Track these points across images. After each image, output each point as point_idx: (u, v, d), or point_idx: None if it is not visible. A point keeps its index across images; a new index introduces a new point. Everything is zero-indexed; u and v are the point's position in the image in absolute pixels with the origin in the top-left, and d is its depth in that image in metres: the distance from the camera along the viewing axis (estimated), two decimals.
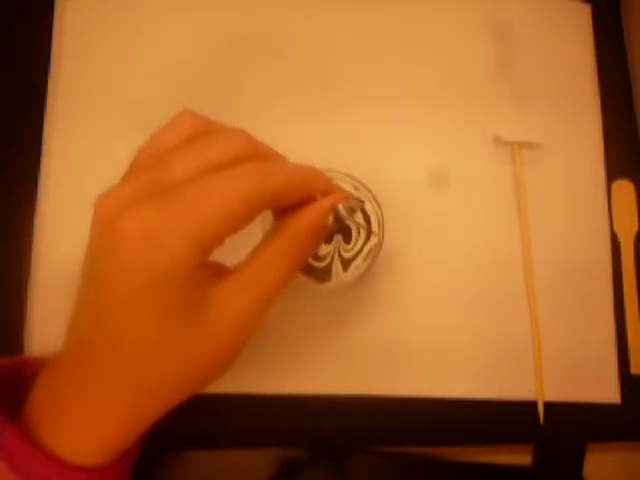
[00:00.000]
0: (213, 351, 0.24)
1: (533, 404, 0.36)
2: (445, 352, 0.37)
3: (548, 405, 0.36)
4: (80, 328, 0.25)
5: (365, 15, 0.41)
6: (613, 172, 0.41)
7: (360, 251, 0.32)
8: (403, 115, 0.40)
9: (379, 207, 0.32)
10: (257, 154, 0.25)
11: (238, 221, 0.23)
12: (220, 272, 0.25)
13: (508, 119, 0.40)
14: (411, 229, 0.38)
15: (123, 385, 0.24)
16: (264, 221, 0.30)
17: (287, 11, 0.41)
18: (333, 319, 0.36)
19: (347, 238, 0.31)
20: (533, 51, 0.42)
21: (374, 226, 0.32)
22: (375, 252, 0.31)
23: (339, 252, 0.31)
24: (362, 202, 0.32)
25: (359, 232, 0.32)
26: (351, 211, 0.30)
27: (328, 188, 0.27)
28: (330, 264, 0.31)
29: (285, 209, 0.26)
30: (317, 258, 0.31)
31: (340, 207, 0.29)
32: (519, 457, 0.38)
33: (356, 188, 0.32)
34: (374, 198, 0.32)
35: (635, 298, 0.39)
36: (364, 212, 0.32)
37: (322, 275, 0.31)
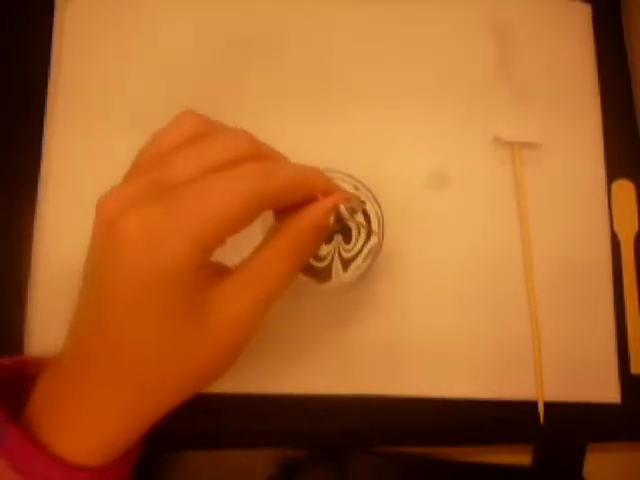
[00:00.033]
0: (214, 351, 0.24)
1: (533, 404, 0.36)
2: (445, 352, 0.37)
3: (548, 405, 0.36)
4: (81, 328, 0.25)
5: (365, 15, 0.41)
6: (613, 172, 0.41)
7: (360, 251, 0.32)
8: (403, 115, 0.40)
9: (379, 207, 0.32)
10: (258, 154, 0.25)
11: (239, 221, 0.23)
12: (221, 272, 0.25)
13: (508, 119, 0.40)
14: (411, 229, 0.38)
15: (124, 385, 0.24)
16: (264, 221, 0.30)
17: (287, 11, 0.41)
18: (333, 319, 0.36)
19: (347, 238, 0.31)
20: (533, 51, 0.42)
21: (374, 226, 0.32)
22: (375, 252, 0.31)
23: (339, 252, 0.31)
24: (363, 203, 0.32)
25: (359, 232, 0.32)
26: (352, 212, 0.30)
27: (329, 188, 0.27)
28: (330, 264, 0.31)
29: (286, 209, 0.26)
30: (317, 258, 0.31)
31: (342, 207, 0.29)
32: (519, 457, 0.38)
33: (356, 188, 0.32)
34: (374, 198, 0.32)
35: (635, 298, 0.39)
36: (364, 212, 0.32)
37: (322, 275, 0.31)
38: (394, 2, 0.42)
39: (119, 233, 0.22)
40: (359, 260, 0.31)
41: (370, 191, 0.32)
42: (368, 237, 0.32)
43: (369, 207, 0.32)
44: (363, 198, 0.32)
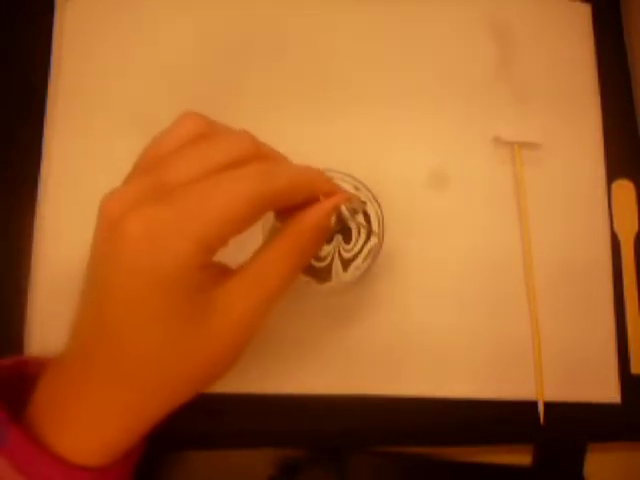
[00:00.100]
0: (216, 351, 0.24)
1: (533, 404, 0.36)
2: (445, 352, 0.37)
3: (548, 405, 0.36)
4: (83, 329, 0.25)
5: (365, 15, 0.41)
6: (613, 172, 0.41)
7: (360, 251, 0.32)
8: (403, 115, 0.40)
9: (379, 207, 0.32)
10: (260, 155, 0.25)
11: (242, 222, 0.23)
12: (224, 272, 0.25)
13: (508, 119, 0.40)
14: (411, 229, 0.38)
15: (126, 386, 0.24)
16: (265, 222, 0.30)
17: (287, 11, 0.41)
18: (333, 319, 0.36)
19: (347, 238, 0.31)
20: (533, 51, 0.42)
21: (374, 226, 0.32)
22: (375, 252, 0.31)
23: (339, 252, 0.31)
24: (364, 203, 0.32)
25: (359, 232, 0.32)
26: (353, 212, 0.30)
27: (331, 189, 0.27)
28: (330, 264, 0.31)
29: (288, 210, 0.26)
30: (317, 258, 0.31)
31: (343, 208, 0.29)
32: (519, 457, 0.38)
33: (356, 188, 0.32)
34: (374, 198, 0.32)
35: (635, 298, 0.39)
36: (364, 212, 0.32)
37: (322, 275, 0.31)
38: (394, 2, 0.42)
39: (121, 234, 0.22)
40: (359, 260, 0.31)
41: (370, 191, 0.32)
42: (368, 237, 0.32)
43: (369, 207, 0.32)
44: (363, 198, 0.32)
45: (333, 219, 0.29)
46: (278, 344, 0.36)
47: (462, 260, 0.38)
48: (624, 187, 0.41)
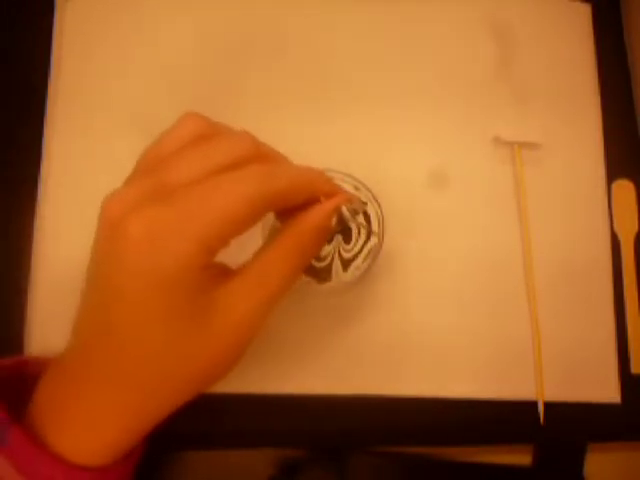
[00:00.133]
0: (218, 352, 0.24)
1: (533, 404, 0.36)
2: (445, 352, 0.37)
3: (548, 405, 0.36)
4: (85, 329, 0.25)
5: (365, 15, 0.41)
6: (613, 172, 0.41)
7: (360, 251, 0.32)
8: (403, 115, 0.40)
9: (379, 207, 0.32)
10: (261, 156, 0.25)
11: (243, 222, 0.23)
12: (225, 273, 0.25)
13: (508, 119, 0.40)
14: (411, 229, 0.38)
15: (127, 386, 0.24)
16: (265, 222, 0.31)
17: (287, 11, 0.41)
18: (333, 319, 0.36)
19: (347, 238, 0.32)
20: (533, 51, 0.42)
21: (374, 226, 0.32)
22: (375, 252, 0.31)
23: (339, 252, 0.31)
24: (365, 204, 0.32)
25: (359, 232, 0.32)
26: (354, 213, 0.30)
27: (332, 190, 0.27)
28: (330, 264, 0.31)
29: (288, 211, 0.26)
30: (317, 258, 0.31)
31: (344, 209, 0.29)
32: (519, 457, 0.38)
33: (356, 188, 0.32)
34: (374, 198, 0.32)
35: (635, 298, 0.39)
36: (364, 212, 0.32)
37: (322, 275, 0.31)
38: (394, 2, 0.42)
39: (123, 234, 0.22)
40: (359, 260, 0.31)
41: (370, 191, 0.32)
42: (368, 237, 0.32)
43: (369, 207, 0.32)
44: (363, 198, 0.32)
45: (334, 220, 0.29)
46: (278, 344, 0.36)
47: (462, 260, 0.38)
48: (624, 187, 0.41)
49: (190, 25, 0.40)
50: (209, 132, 0.25)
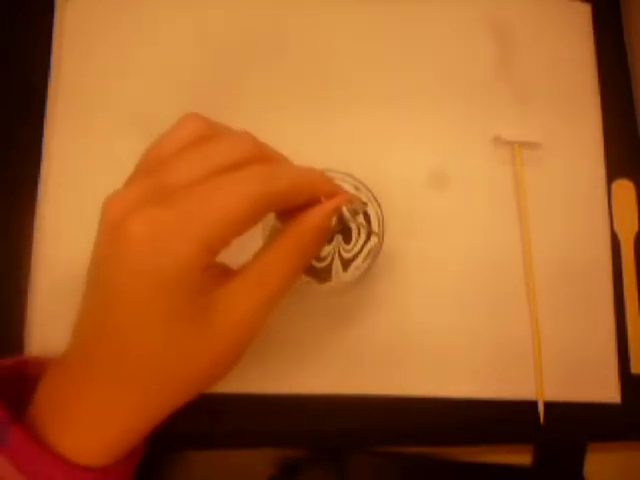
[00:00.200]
0: (218, 352, 0.24)
1: (533, 404, 0.36)
2: (445, 352, 0.37)
3: (548, 405, 0.36)
4: (86, 329, 0.25)
5: (365, 15, 0.41)
6: (613, 172, 0.41)
7: (360, 251, 0.32)
8: (403, 115, 0.40)
9: (379, 207, 0.32)
10: (262, 156, 0.25)
11: (243, 223, 0.24)
12: (225, 273, 0.25)
13: (508, 119, 0.40)
14: (411, 229, 0.38)
15: (128, 386, 0.24)
16: (265, 222, 0.31)
17: (287, 11, 0.41)
18: (334, 319, 0.36)
19: (347, 238, 0.32)
20: (533, 51, 0.42)
21: (374, 226, 0.32)
22: (375, 252, 0.31)
23: (339, 252, 0.31)
24: (365, 204, 0.32)
25: (359, 232, 0.32)
26: (354, 213, 0.30)
27: (332, 190, 0.27)
28: (330, 264, 0.31)
29: (289, 211, 0.26)
30: (318, 258, 0.31)
31: (344, 209, 0.29)
32: (519, 457, 0.38)
33: (356, 188, 0.32)
34: (374, 198, 0.32)
35: (635, 298, 0.39)
36: (364, 212, 0.32)
37: (322, 275, 0.31)
38: (394, 2, 0.42)
39: (124, 235, 0.22)
40: (359, 260, 0.31)
41: (370, 191, 0.32)
42: (368, 237, 0.32)
43: (369, 207, 0.32)
44: (364, 198, 0.32)
45: (334, 220, 0.29)
46: (278, 344, 0.36)
47: (462, 260, 0.38)
48: (624, 187, 0.41)
49: (190, 25, 0.40)
50: (209, 133, 0.25)
